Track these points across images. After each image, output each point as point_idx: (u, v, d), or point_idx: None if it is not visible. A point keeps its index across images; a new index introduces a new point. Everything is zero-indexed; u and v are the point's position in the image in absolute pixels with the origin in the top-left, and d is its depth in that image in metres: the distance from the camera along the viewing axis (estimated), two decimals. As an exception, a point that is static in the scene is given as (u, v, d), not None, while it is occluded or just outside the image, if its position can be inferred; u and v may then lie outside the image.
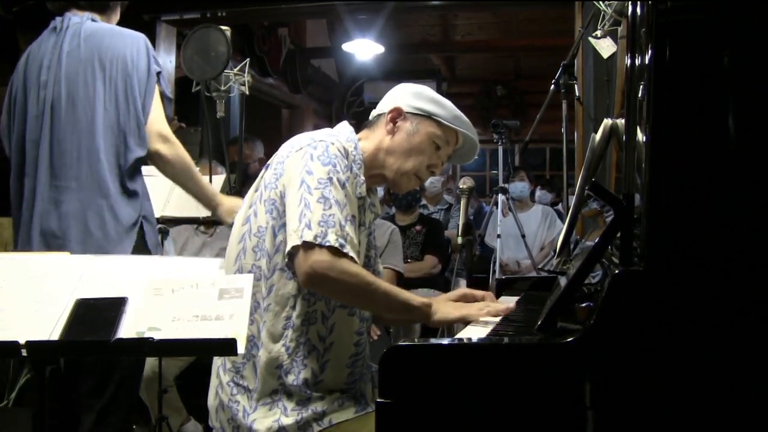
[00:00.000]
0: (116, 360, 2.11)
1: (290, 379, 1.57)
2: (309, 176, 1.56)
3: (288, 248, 1.54)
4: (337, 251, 1.51)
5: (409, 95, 1.79)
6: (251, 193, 1.70)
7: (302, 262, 1.52)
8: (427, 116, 1.76)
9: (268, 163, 1.72)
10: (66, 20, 2.23)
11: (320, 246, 1.50)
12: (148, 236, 2.21)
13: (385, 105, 1.81)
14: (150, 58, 2.21)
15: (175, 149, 2.22)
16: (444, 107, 1.77)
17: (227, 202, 2.42)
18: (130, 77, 2.15)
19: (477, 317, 1.67)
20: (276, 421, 1.56)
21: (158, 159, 2.22)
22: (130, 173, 2.18)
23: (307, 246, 1.51)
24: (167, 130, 2.23)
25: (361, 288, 1.55)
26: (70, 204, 2.11)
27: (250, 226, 1.65)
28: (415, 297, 1.68)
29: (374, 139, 1.78)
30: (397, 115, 1.76)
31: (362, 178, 1.68)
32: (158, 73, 2.23)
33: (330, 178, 1.56)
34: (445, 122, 1.76)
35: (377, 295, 1.58)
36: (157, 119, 2.21)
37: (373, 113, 1.83)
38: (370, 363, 1.74)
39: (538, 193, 6.17)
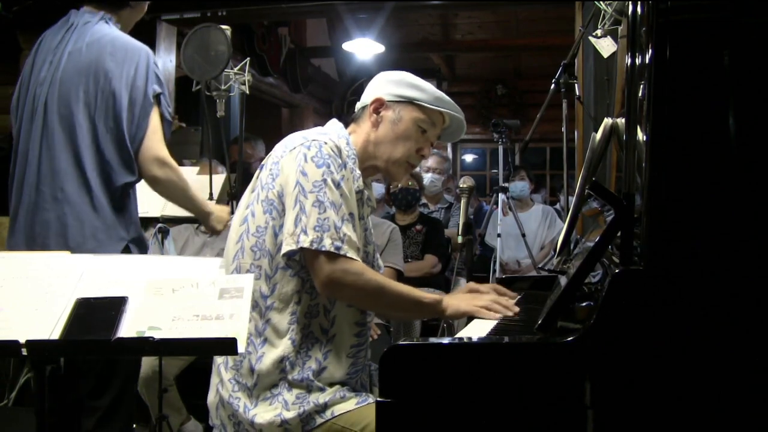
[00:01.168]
0: (115, 361, 2.09)
1: (295, 371, 1.59)
2: (304, 177, 1.59)
3: (284, 250, 1.57)
4: (335, 255, 1.55)
5: (389, 83, 1.80)
6: (248, 194, 1.72)
7: (317, 271, 1.56)
8: (409, 102, 1.77)
9: (263, 163, 1.74)
10: (79, 17, 2.17)
11: (327, 254, 1.54)
12: None
13: (367, 96, 1.82)
14: (149, 77, 2.11)
15: (170, 173, 2.15)
16: (424, 90, 1.78)
17: (217, 210, 2.41)
18: (120, 97, 2.05)
19: (487, 313, 1.69)
20: (278, 416, 1.57)
21: (153, 182, 2.16)
22: (119, 195, 2.10)
23: (312, 255, 1.56)
24: (164, 154, 2.13)
25: (376, 291, 1.60)
26: (52, 213, 2.04)
27: (247, 226, 1.67)
28: (426, 294, 1.72)
29: (362, 132, 1.80)
30: (379, 105, 1.78)
31: (358, 171, 1.71)
32: (159, 95, 2.12)
33: (324, 180, 1.58)
34: (427, 105, 1.77)
35: (392, 297, 1.64)
36: (154, 144, 2.11)
37: (358, 105, 1.84)
38: (370, 361, 1.76)
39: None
